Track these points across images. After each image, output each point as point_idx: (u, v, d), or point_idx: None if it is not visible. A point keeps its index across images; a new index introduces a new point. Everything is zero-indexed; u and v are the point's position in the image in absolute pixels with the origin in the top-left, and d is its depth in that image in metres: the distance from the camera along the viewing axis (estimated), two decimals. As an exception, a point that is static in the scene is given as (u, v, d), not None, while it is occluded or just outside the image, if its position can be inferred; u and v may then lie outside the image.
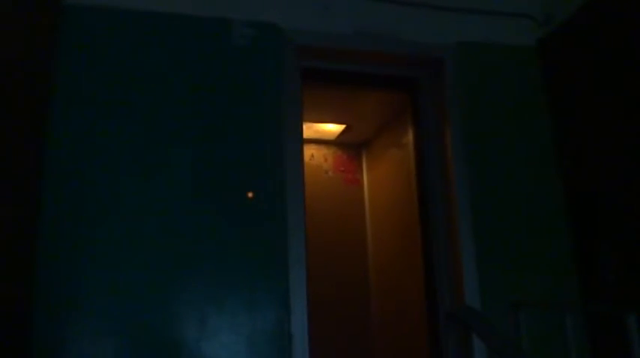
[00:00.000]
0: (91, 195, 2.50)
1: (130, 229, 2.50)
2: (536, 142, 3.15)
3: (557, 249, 3.01)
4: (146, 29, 2.75)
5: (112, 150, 2.57)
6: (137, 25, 2.74)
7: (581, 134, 3.00)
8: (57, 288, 2.37)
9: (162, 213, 2.55)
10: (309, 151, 5.37)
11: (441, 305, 3.06)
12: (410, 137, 3.64)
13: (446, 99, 3.11)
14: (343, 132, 5.20)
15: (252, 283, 2.57)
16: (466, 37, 3.20)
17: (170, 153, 2.63)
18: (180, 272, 2.51)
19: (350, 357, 4.94)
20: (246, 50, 2.84)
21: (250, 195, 2.66)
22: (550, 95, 3.21)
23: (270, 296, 2.57)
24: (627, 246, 2.67)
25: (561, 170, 3.10)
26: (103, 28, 2.70)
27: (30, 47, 2.47)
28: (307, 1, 3.02)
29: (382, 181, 5.01)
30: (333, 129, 5.13)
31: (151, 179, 2.58)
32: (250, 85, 2.81)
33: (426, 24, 3.18)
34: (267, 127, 2.78)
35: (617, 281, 2.68)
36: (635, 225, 2.62)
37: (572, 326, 2.17)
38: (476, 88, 3.15)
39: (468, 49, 3.19)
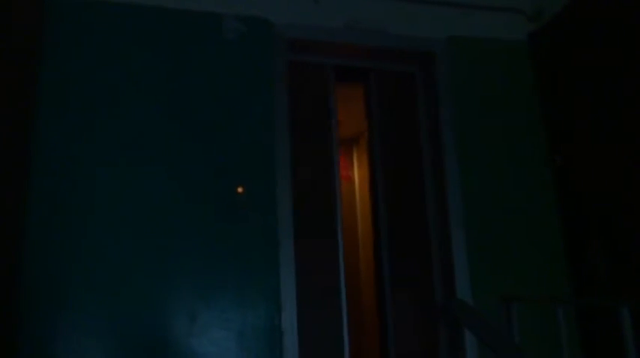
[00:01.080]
0: (78, 193, 2.46)
1: (118, 227, 2.47)
2: (529, 137, 3.15)
3: (548, 245, 3.02)
4: (135, 23, 2.71)
5: (100, 147, 2.53)
6: (126, 20, 2.70)
7: (572, 129, 3.00)
8: (44, 287, 2.34)
9: (152, 210, 2.52)
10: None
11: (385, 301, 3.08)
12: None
13: (437, 93, 3.10)
14: (334, 127, 5.16)
15: (243, 279, 2.55)
16: (457, 31, 3.20)
17: (158, 149, 2.60)
18: (170, 269, 2.48)
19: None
20: (237, 44, 2.82)
21: (240, 189, 2.63)
22: (541, 89, 3.21)
23: (260, 293, 2.55)
24: (617, 244, 2.68)
25: (553, 165, 3.11)
26: (90, 22, 2.65)
27: (16, 43, 2.42)
28: (298, -6, 3.01)
29: (373, 177, 4.99)
30: (323, 124, 5.09)
31: (139, 177, 2.55)
32: (241, 79, 2.78)
33: (417, 18, 3.17)
34: (257, 122, 2.76)
35: (607, 277, 2.69)
36: (625, 224, 2.63)
37: (564, 319, 2.17)
38: (467, 82, 3.14)
39: (459, 44, 3.18)
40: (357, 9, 3.07)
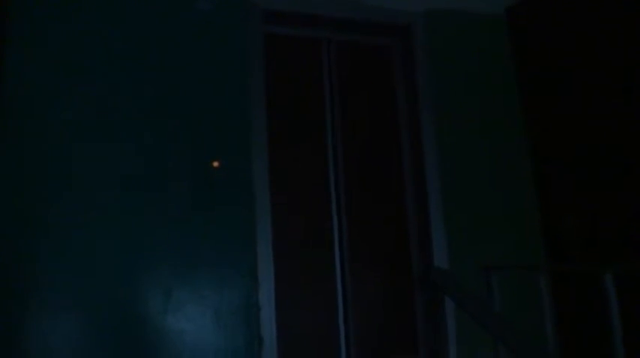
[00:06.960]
0: (48, 168, 2.35)
1: (91, 203, 2.37)
2: (505, 110, 3.16)
3: (524, 216, 3.04)
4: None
5: (69, 120, 2.41)
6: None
7: (547, 101, 3.01)
8: (13, 266, 2.23)
9: (125, 185, 2.43)
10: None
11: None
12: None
13: (414, 66, 3.07)
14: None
15: (219, 255, 2.48)
16: (435, 4, 3.15)
17: (129, 124, 2.49)
18: (145, 245, 2.40)
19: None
20: (211, 15, 2.71)
21: (216, 164, 2.56)
22: (518, 63, 3.21)
23: (237, 269, 2.49)
24: (590, 213, 2.71)
25: (528, 136, 3.13)
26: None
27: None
28: (273, -36, 2.91)
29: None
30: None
31: (111, 152, 2.44)
32: (215, 50, 2.69)
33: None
34: (232, 95, 2.67)
35: (580, 245, 2.72)
36: (598, 198, 2.66)
37: (545, 287, 2.17)
38: (445, 55, 3.12)
39: (436, 17, 3.15)
40: (335, -20, 2.99)
